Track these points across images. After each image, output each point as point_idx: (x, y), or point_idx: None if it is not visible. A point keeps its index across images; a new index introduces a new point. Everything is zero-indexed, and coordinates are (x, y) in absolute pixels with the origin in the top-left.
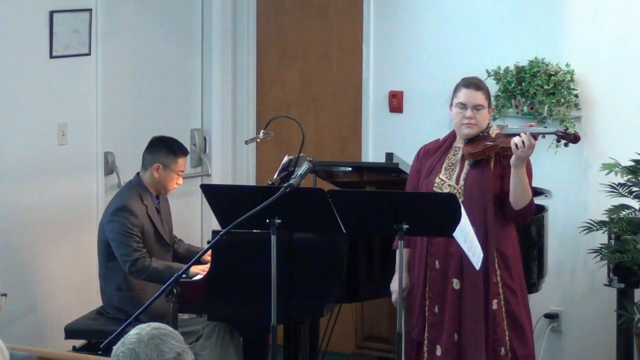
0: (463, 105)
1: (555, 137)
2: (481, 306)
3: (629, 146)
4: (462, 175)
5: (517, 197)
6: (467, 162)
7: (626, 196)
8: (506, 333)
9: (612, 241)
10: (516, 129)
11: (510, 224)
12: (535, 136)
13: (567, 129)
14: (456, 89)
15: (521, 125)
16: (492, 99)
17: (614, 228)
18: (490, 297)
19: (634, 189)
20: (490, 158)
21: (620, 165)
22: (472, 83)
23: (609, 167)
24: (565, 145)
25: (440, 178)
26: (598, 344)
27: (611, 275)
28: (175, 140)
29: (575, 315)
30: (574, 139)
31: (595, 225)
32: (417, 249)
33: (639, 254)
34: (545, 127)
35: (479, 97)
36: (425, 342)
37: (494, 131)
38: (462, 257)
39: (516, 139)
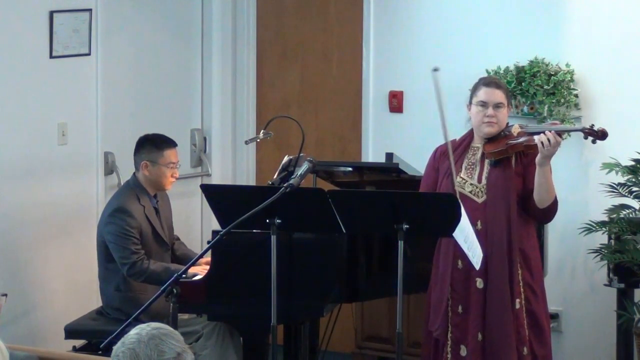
0: (484, 104)
1: (582, 134)
2: (509, 305)
3: (629, 146)
4: (484, 174)
5: (542, 196)
6: (487, 161)
7: (626, 196)
8: (527, 332)
9: (612, 241)
10: (539, 127)
11: (531, 223)
12: (560, 134)
13: (593, 125)
14: (475, 88)
15: (544, 124)
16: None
17: (614, 228)
18: (514, 296)
19: (634, 188)
20: (511, 157)
21: (621, 165)
22: (492, 82)
23: (610, 166)
24: (593, 142)
25: (461, 177)
26: (598, 344)
27: (611, 275)
28: (159, 135)
29: (575, 315)
30: (602, 135)
31: (595, 226)
32: (442, 248)
33: (639, 254)
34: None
35: (499, 96)
36: (449, 342)
37: (515, 129)
38: (486, 256)
39: (542, 137)
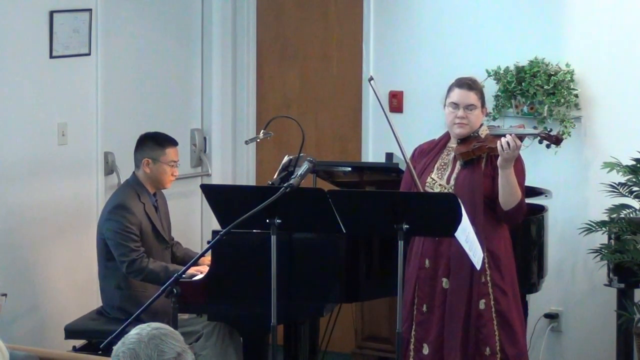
0: (455, 105)
1: (538, 138)
2: (462, 305)
3: (629, 146)
4: (453, 175)
5: (506, 198)
6: (458, 162)
7: (626, 196)
8: (496, 333)
9: (612, 241)
10: (505, 129)
11: (503, 225)
12: (521, 137)
13: (550, 130)
14: (449, 89)
15: (510, 126)
16: (492, 98)
17: (613, 228)
18: (477, 296)
19: (635, 188)
20: (482, 158)
21: (622, 164)
22: (465, 83)
23: (611, 166)
24: (547, 146)
25: (432, 178)
26: (598, 344)
27: (611, 275)
28: (160, 133)
29: (575, 315)
30: (556, 140)
31: (595, 226)
32: (413, 247)
33: (639, 254)
34: (544, 127)
35: (471, 97)
36: (412, 340)
37: (483, 131)
38: (452, 256)
39: (502, 141)
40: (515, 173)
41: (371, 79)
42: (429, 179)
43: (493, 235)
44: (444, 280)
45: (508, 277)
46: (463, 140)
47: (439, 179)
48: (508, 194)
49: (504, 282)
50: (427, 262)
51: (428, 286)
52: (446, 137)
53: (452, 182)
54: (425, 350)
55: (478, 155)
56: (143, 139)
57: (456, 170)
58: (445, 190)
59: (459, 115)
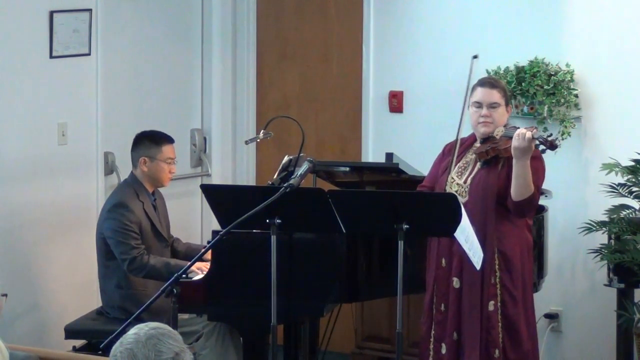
0: (479, 104)
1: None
2: (477, 306)
3: (629, 146)
4: (472, 175)
5: (516, 189)
6: (478, 163)
7: (626, 196)
8: (500, 335)
9: (612, 241)
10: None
11: (519, 227)
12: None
13: (550, 134)
14: (472, 89)
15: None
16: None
17: (613, 228)
18: (487, 297)
19: (634, 189)
20: (499, 159)
21: (621, 165)
22: (488, 82)
23: (609, 167)
24: (543, 151)
25: (452, 176)
26: (598, 344)
27: (611, 275)
28: (156, 131)
29: (575, 315)
30: (550, 145)
31: (595, 225)
32: (432, 247)
33: (639, 254)
34: (545, 127)
35: (494, 95)
36: (432, 339)
37: (498, 132)
38: (464, 256)
39: (518, 130)
40: (536, 172)
41: (476, 56)
42: (449, 178)
43: (507, 236)
44: (455, 279)
45: (519, 279)
46: (484, 140)
47: (458, 178)
48: (519, 186)
49: (513, 285)
50: (443, 261)
51: (444, 285)
52: (472, 137)
53: (469, 181)
54: (443, 350)
55: (494, 156)
56: (139, 137)
57: (475, 171)
58: (462, 189)
59: (482, 114)
